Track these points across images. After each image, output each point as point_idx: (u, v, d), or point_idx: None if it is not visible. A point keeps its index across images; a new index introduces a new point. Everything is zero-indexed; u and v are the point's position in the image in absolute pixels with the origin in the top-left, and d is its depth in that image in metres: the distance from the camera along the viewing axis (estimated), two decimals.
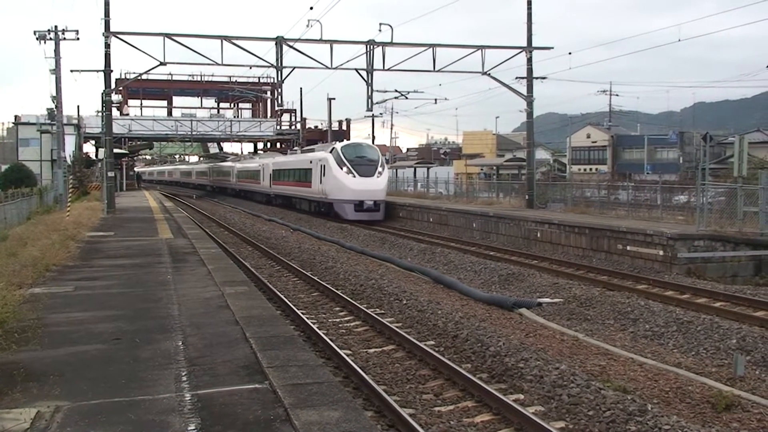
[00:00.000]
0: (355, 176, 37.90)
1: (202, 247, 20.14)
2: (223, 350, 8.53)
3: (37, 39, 38.70)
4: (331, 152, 39.88)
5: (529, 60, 33.64)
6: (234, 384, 7.22)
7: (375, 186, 38.38)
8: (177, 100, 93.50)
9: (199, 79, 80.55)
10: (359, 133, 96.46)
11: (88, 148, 67.54)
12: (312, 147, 52.04)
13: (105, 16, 32.19)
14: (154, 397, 6.78)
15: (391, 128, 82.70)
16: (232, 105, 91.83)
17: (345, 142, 43.62)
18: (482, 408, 8.84)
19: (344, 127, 76.24)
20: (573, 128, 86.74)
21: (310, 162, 44.20)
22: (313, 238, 30.32)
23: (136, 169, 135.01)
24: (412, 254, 24.44)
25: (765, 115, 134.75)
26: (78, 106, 72.45)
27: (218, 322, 10.06)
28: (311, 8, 32.47)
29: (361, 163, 38.71)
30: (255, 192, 60.79)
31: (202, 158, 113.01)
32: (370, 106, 35.69)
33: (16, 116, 61.97)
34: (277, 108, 54.84)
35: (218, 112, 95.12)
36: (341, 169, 38.27)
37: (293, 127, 75.97)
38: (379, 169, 38.93)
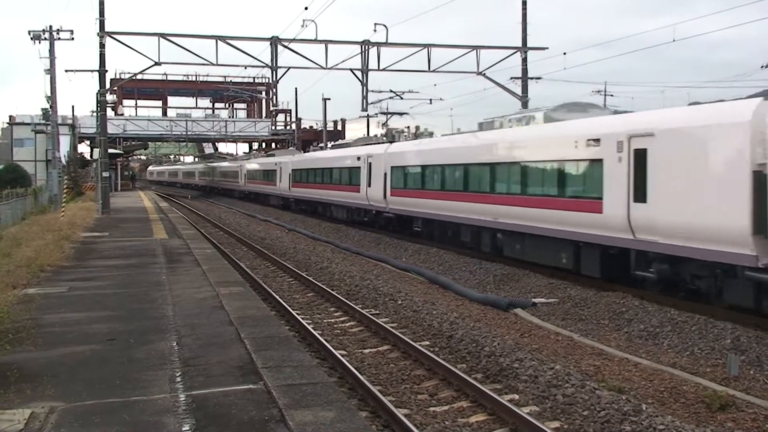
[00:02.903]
0: None
1: (196, 247, 20.13)
2: (218, 351, 8.53)
3: (31, 39, 38.66)
4: None
5: (524, 60, 33.68)
6: (228, 385, 7.21)
7: None
8: (172, 100, 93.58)
9: (194, 79, 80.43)
10: (354, 134, 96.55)
11: (83, 148, 67.47)
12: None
13: (100, 16, 32.17)
14: (148, 398, 6.77)
15: (386, 128, 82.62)
16: (227, 105, 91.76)
17: None
18: (477, 408, 8.84)
19: (339, 127, 76.26)
20: None
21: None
22: (309, 238, 30.30)
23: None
24: (407, 254, 24.41)
25: None
26: (73, 106, 72.60)
27: (213, 323, 10.06)
28: (306, 8, 32.36)
29: None
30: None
31: (197, 158, 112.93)
32: (365, 106, 35.69)
33: (10, 116, 61.87)
34: (272, 108, 54.94)
35: (213, 112, 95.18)
36: None
37: (288, 128, 75.94)
38: None
